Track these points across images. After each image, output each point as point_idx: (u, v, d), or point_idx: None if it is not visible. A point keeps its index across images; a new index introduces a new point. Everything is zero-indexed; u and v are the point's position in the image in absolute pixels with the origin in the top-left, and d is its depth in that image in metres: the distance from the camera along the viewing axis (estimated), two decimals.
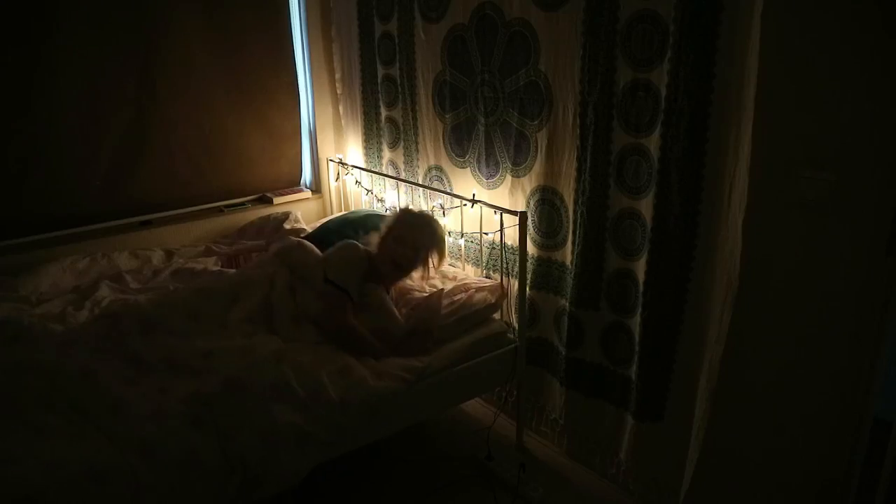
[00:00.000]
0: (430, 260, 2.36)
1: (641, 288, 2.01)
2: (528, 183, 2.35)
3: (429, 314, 2.24)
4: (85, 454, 1.55)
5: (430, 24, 2.59)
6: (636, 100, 1.93)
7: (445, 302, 2.32)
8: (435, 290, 2.40)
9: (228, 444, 1.67)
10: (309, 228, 2.90)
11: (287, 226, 2.96)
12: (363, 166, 3.19)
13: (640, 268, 2.01)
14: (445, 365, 2.21)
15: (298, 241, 2.40)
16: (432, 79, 2.65)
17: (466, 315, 2.30)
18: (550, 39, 2.14)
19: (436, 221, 2.42)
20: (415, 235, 2.29)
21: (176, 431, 1.66)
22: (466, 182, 2.63)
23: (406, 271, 2.33)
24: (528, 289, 2.40)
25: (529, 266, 2.40)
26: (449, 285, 2.45)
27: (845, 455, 1.68)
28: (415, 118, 2.82)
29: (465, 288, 2.39)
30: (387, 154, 3.07)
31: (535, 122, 2.27)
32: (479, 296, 2.36)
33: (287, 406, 1.77)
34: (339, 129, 3.34)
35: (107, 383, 1.75)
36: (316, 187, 3.38)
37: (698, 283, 1.89)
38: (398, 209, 2.46)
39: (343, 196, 3.33)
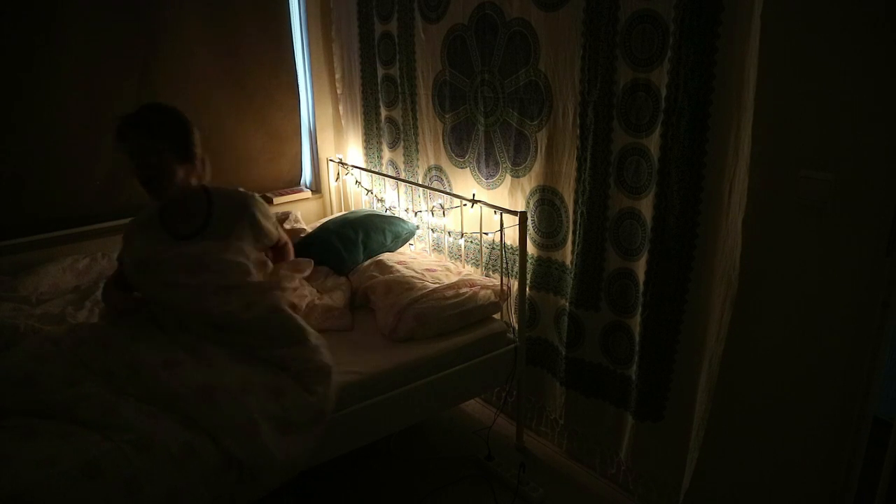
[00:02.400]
0: (188, 154, 1.92)
1: (641, 288, 2.01)
2: (528, 183, 2.35)
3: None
4: (78, 449, 1.55)
5: (429, 24, 2.59)
6: (636, 100, 1.93)
7: (450, 293, 2.32)
8: (440, 283, 2.39)
9: (216, 444, 1.67)
10: (309, 228, 2.90)
11: (287, 226, 2.95)
12: (363, 166, 3.19)
13: (640, 268, 2.01)
14: (445, 364, 2.22)
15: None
16: (432, 79, 2.65)
17: (470, 309, 2.31)
18: (550, 39, 2.14)
19: (144, 107, 1.91)
20: (132, 146, 1.85)
21: (170, 428, 1.66)
22: (466, 182, 2.63)
23: (162, 182, 1.87)
24: (528, 289, 2.40)
25: (529, 266, 2.40)
26: (453, 278, 2.45)
27: (845, 455, 1.68)
28: (415, 118, 2.82)
29: (470, 283, 2.39)
30: (387, 154, 3.07)
31: (535, 122, 2.27)
32: (483, 293, 2.36)
33: (258, 396, 1.76)
34: (339, 129, 3.34)
35: (94, 390, 1.73)
36: (316, 187, 3.38)
37: (698, 283, 1.89)
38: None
39: (343, 196, 3.33)
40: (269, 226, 2.09)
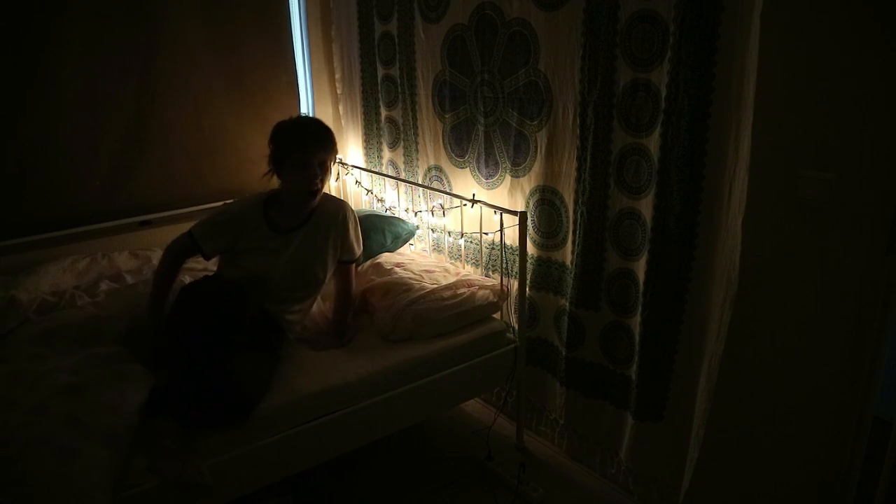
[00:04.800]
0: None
1: (641, 288, 2.01)
2: (528, 183, 2.35)
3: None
4: None
5: (429, 24, 2.59)
6: (636, 100, 1.93)
7: (448, 294, 2.32)
8: (437, 284, 2.38)
9: None
10: None
11: None
12: (363, 166, 3.19)
13: (640, 268, 2.01)
14: (445, 364, 2.22)
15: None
16: (432, 79, 2.65)
17: (468, 310, 2.31)
18: (550, 39, 2.14)
19: (315, 121, 2.19)
20: (310, 151, 2.06)
21: None
22: (466, 182, 2.63)
23: (322, 189, 2.16)
24: (528, 289, 2.40)
25: (529, 266, 2.40)
26: (451, 279, 2.45)
27: (845, 455, 1.68)
28: (414, 118, 2.82)
29: (468, 283, 2.39)
30: (387, 154, 3.07)
31: (535, 122, 2.26)
32: (482, 293, 2.36)
33: None
34: (339, 129, 3.34)
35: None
36: None
37: (698, 283, 1.89)
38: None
39: (343, 196, 3.33)
40: (355, 243, 2.28)
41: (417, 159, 2.87)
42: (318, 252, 2.18)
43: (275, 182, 2.14)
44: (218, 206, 2.21)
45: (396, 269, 2.51)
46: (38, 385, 1.73)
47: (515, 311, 2.41)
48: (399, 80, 2.83)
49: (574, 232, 2.21)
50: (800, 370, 1.72)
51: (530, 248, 2.40)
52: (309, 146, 2.06)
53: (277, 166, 2.10)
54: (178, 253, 2.14)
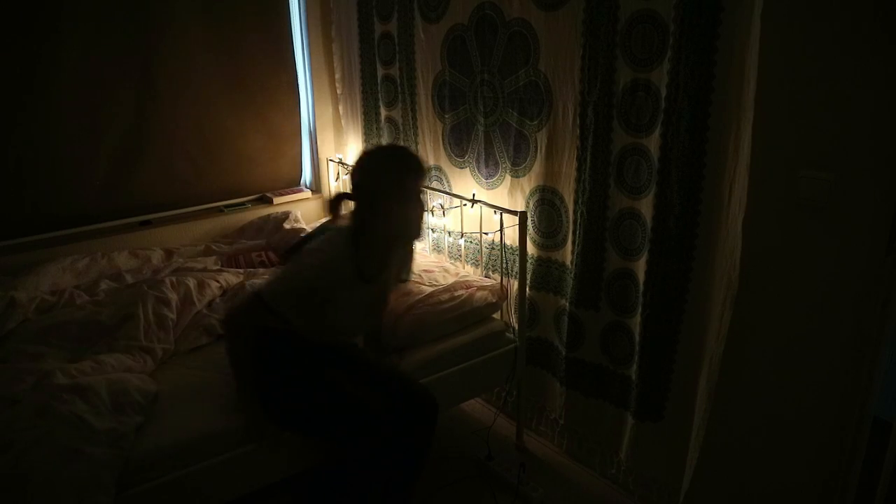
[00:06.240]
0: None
1: (641, 288, 2.01)
2: (528, 183, 2.35)
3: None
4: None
5: (429, 24, 2.59)
6: (636, 100, 1.93)
7: (446, 297, 2.32)
8: (436, 285, 2.38)
9: None
10: (308, 228, 2.91)
11: (287, 225, 2.96)
12: None
13: (640, 268, 2.01)
14: (445, 364, 2.21)
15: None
16: (432, 79, 2.65)
17: (466, 312, 2.31)
18: (550, 39, 2.14)
19: (392, 148, 2.11)
20: (419, 180, 1.83)
21: None
22: (466, 182, 2.63)
23: None
24: (527, 289, 2.40)
25: (529, 266, 2.40)
26: (450, 280, 2.45)
27: (845, 455, 1.68)
28: (414, 118, 2.82)
29: (466, 285, 2.39)
30: None
31: (535, 122, 2.26)
32: (480, 294, 2.36)
33: None
34: (339, 129, 3.34)
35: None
36: (316, 187, 3.38)
37: (698, 283, 1.89)
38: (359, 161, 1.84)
39: None
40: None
41: None
42: (391, 286, 2.07)
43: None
44: (300, 271, 1.77)
45: None
46: (42, 385, 1.74)
47: (515, 311, 2.41)
48: (399, 80, 2.83)
49: (574, 232, 2.21)
50: (800, 370, 1.72)
51: (530, 248, 2.40)
52: (419, 175, 1.80)
53: (375, 209, 1.76)
54: (249, 326, 1.80)
